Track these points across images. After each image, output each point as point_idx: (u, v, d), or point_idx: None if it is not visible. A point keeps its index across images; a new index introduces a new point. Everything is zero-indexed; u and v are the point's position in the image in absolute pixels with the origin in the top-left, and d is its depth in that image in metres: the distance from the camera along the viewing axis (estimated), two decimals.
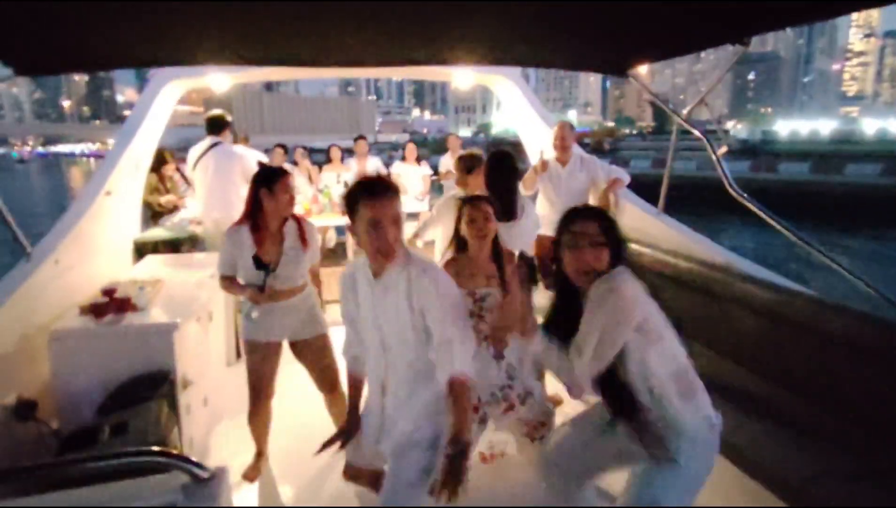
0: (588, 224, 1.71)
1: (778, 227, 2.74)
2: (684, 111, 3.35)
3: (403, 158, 7.14)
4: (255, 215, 2.54)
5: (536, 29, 2.38)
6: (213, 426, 3.17)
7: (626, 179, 4.16)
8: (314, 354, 2.71)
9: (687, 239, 3.42)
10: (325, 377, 2.73)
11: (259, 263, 2.47)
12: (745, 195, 2.91)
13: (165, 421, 2.31)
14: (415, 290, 1.73)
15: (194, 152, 4.64)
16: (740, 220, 13.91)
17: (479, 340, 2.39)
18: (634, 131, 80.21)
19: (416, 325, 1.75)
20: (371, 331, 1.87)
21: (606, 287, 1.63)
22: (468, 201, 2.42)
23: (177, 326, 2.68)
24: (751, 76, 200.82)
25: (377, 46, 2.69)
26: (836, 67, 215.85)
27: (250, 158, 4.66)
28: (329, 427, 2.65)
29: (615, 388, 1.70)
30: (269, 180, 2.50)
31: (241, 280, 2.60)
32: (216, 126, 4.65)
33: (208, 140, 4.61)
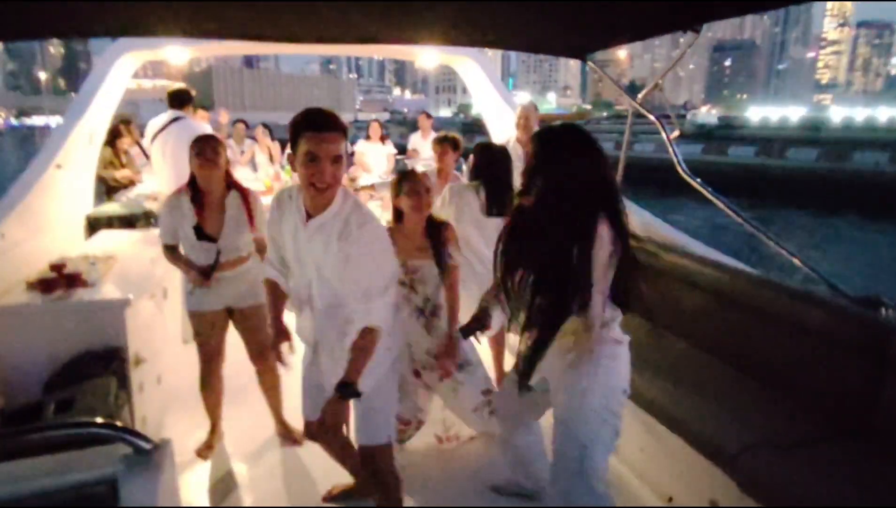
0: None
1: (720, 205, 2.84)
2: (639, 95, 3.41)
3: (368, 137, 7.05)
4: (193, 184, 2.54)
5: (498, 11, 2.38)
6: (167, 404, 3.15)
7: None
8: (251, 324, 2.72)
9: (642, 220, 3.51)
10: (258, 349, 2.75)
11: (200, 233, 2.47)
12: (693, 176, 2.99)
13: (115, 399, 2.29)
14: (348, 235, 1.69)
15: (153, 126, 4.51)
16: (693, 200, 14.53)
17: (411, 310, 2.49)
18: (605, 114, 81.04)
19: (344, 275, 1.73)
20: (297, 270, 1.86)
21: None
22: (407, 176, 2.45)
23: (129, 302, 2.65)
24: (727, 62, 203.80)
25: (338, 23, 2.64)
26: (810, 54, 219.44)
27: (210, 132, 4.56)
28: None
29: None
30: (197, 147, 2.50)
31: (182, 250, 2.62)
32: (179, 100, 4.50)
33: (169, 113, 4.48)
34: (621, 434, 2.16)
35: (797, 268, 2.60)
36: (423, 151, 6.58)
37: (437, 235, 2.43)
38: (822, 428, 2.09)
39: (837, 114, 53.13)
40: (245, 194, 2.63)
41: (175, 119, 4.43)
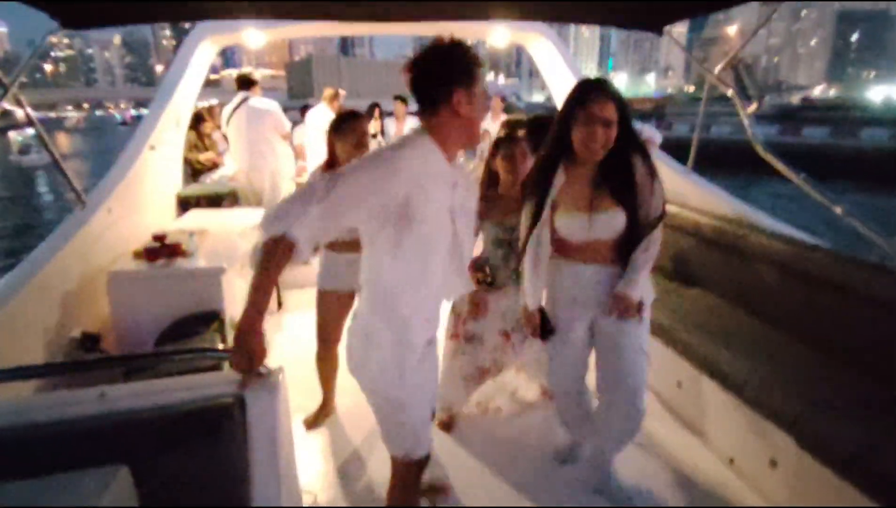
0: (606, 106, 1.83)
1: (795, 179, 2.80)
2: (716, 69, 3.33)
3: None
4: (331, 162, 2.56)
5: None
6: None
7: (658, 138, 4.14)
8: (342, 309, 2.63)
9: (714, 197, 3.45)
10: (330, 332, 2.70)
11: None
12: (768, 150, 2.94)
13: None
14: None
15: (227, 109, 4.80)
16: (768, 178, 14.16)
17: (509, 272, 2.55)
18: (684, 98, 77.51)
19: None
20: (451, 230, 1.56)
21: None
22: (503, 141, 2.54)
23: (223, 270, 2.87)
24: (854, 36, 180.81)
25: (408, 0, 2.74)
26: None
27: (279, 111, 4.81)
28: None
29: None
30: (337, 125, 2.54)
31: None
32: (245, 83, 4.83)
33: (240, 95, 4.77)
34: (686, 400, 2.22)
35: (869, 243, 2.52)
36: (493, 132, 6.63)
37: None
38: (881, 393, 2.09)
39: None
40: None
41: (244, 99, 4.72)
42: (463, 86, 1.42)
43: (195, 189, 4.58)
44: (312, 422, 2.77)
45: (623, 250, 1.98)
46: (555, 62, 4.99)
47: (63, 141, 52.30)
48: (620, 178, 1.91)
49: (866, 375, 2.21)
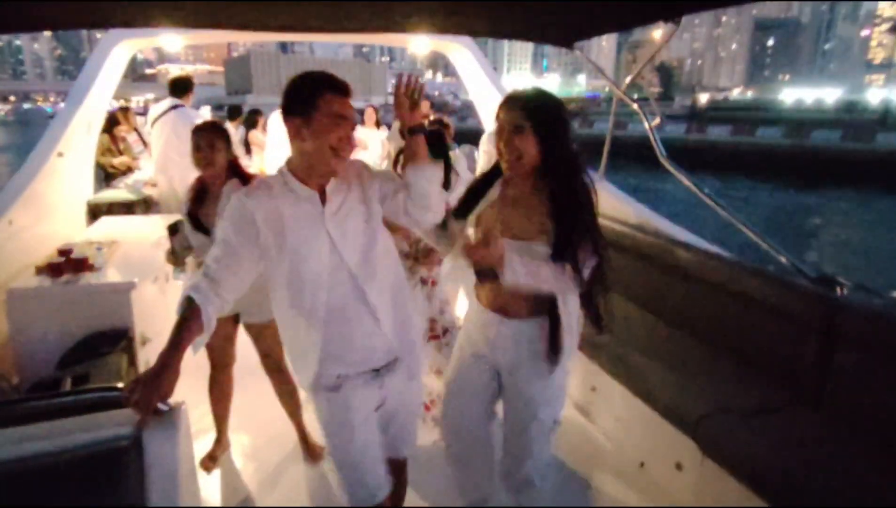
0: (511, 113, 1.65)
1: (696, 191, 2.97)
2: (623, 83, 3.53)
3: (362, 122, 7.14)
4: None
5: (488, 1, 2.49)
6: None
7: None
8: (266, 341, 2.45)
9: (623, 204, 3.65)
10: (275, 363, 2.53)
11: (195, 222, 2.33)
12: (672, 163, 3.12)
13: (126, 374, 2.44)
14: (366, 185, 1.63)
15: (154, 112, 4.61)
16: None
17: (415, 282, 2.63)
18: (635, 97, 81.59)
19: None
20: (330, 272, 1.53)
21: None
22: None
23: (134, 285, 2.78)
24: (770, 42, 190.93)
25: (330, 13, 2.74)
26: (864, 32, 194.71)
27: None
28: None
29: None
30: (194, 135, 2.33)
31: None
32: (179, 88, 4.62)
33: (169, 101, 4.59)
34: (600, 405, 2.27)
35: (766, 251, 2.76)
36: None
37: None
38: (778, 397, 2.28)
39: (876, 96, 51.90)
40: (248, 181, 2.31)
41: (174, 107, 4.54)
42: (299, 115, 1.42)
43: (107, 196, 4.38)
44: (209, 462, 2.55)
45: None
46: (475, 72, 5.12)
47: None
48: (549, 199, 1.66)
49: (765, 378, 2.39)
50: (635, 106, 3.44)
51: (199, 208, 2.34)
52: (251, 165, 6.13)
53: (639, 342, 2.75)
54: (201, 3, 2.58)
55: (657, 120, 3.34)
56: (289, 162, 1.52)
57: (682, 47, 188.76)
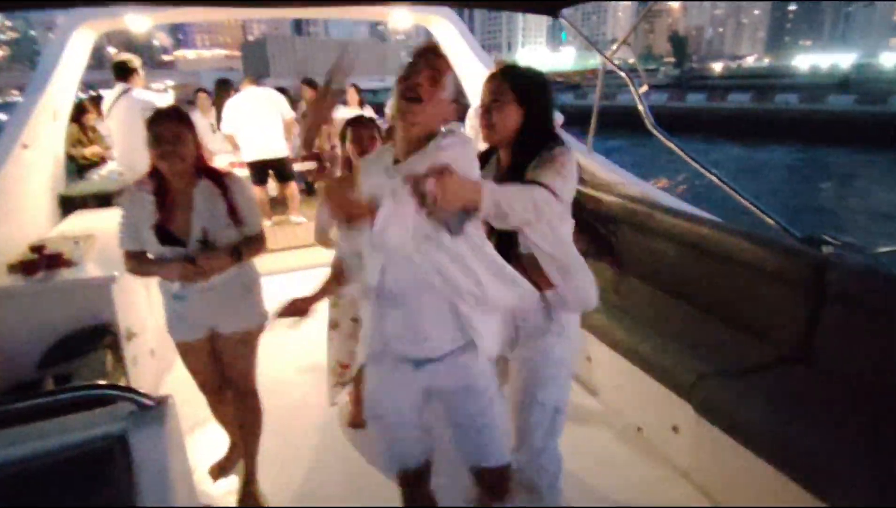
0: (489, 85, 1.66)
1: (684, 156, 3.04)
2: (609, 51, 3.48)
3: (345, 102, 6.96)
4: (156, 173, 1.95)
5: None
6: (162, 376, 3.21)
7: (559, 118, 4.27)
8: (236, 353, 2.17)
9: (614, 175, 3.62)
10: (242, 383, 2.23)
11: (164, 234, 1.92)
12: (658, 128, 3.12)
13: (111, 371, 2.35)
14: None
15: (107, 101, 4.38)
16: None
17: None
18: (652, 67, 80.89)
19: None
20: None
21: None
22: (352, 122, 2.41)
23: (115, 278, 2.67)
24: (791, 7, 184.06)
25: None
26: None
27: (157, 104, 4.45)
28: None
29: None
30: (148, 126, 1.90)
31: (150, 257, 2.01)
32: (122, 71, 4.32)
33: (118, 87, 4.34)
34: (600, 374, 2.26)
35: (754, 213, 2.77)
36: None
37: None
38: (768, 357, 2.32)
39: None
40: (221, 181, 2.00)
41: (124, 91, 4.28)
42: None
43: (80, 188, 4.19)
44: (219, 471, 2.42)
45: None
46: (457, 44, 4.99)
47: None
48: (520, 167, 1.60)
49: (757, 338, 2.43)
50: (622, 73, 3.39)
51: (167, 216, 1.93)
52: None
53: (632, 309, 2.78)
54: None
55: (644, 87, 3.31)
56: None
57: (702, 14, 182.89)
